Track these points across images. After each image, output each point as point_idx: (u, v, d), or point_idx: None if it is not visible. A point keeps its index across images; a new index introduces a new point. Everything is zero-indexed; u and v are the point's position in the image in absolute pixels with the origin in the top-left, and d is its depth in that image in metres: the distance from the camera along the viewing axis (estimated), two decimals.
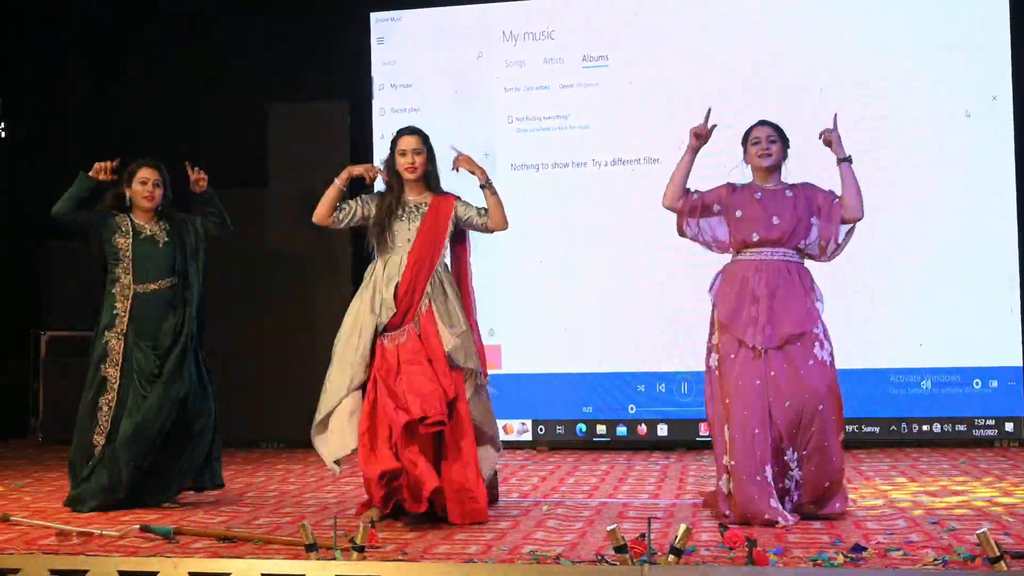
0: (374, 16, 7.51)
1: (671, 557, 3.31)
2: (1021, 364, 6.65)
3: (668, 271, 6.87)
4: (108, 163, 4.90)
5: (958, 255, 6.73)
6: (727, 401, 4.28)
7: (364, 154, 6.94)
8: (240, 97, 7.86)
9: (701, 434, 6.73)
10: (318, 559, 3.48)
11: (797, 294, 4.30)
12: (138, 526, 4.17)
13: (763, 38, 6.98)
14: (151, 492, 4.89)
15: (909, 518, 4.24)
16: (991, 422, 6.69)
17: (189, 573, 3.47)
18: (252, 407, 7.07)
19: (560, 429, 7.10)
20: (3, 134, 7.77)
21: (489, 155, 7.10)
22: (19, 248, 8.26)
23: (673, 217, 4.52)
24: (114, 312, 4.90)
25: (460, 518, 4.30)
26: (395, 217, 4.53)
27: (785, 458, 4.25)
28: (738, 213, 4.37)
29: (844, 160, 4.37)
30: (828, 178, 4.46)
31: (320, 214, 4.58)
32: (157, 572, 3.48)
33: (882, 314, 6.66)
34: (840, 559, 3.44)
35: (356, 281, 4.80)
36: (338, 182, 4.55)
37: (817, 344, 4.26)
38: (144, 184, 4.97)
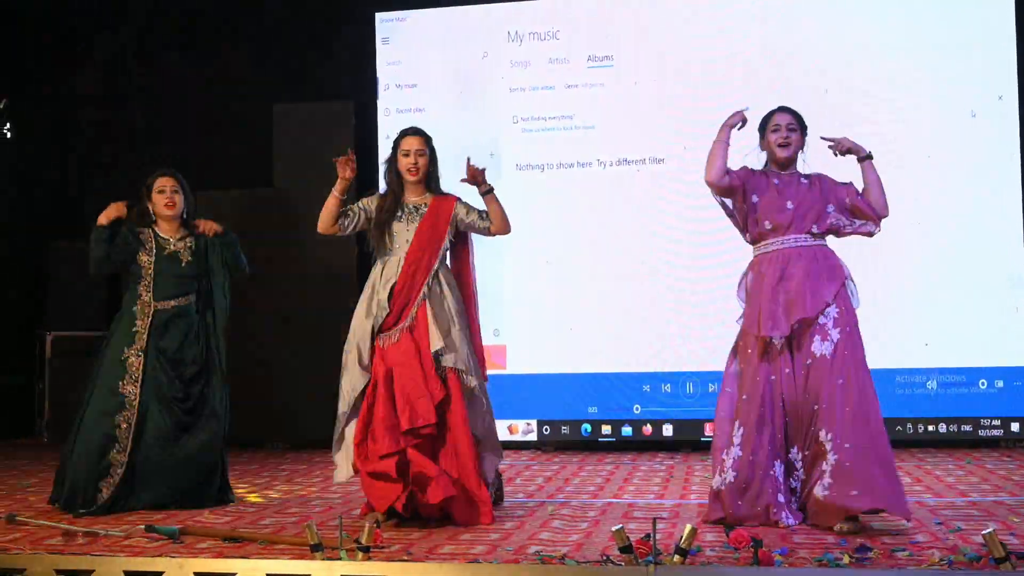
0: (379, 16, 7.51)
1: (676, 557, 3.31)
2: None
3: (673, 271, 6.87)
4: (111, 209, 4.94)
5: (964, 255, 6.72)
6: (744, 397, 4.26)
7: (369, 154, 6.94)
8: (245, 97, 7.88)
9: (706, 434, 6.71)
10: (323, 559, 3.49)
11: (811, 275, 4.23)
12: (143, 526, 4.18)
13: (768, 38, 6.97)
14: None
15: (914, 518, 4.22)
16: (997, 422, 6.67)
17: (194, 573, 3.47)
18: (257, 408, 7.06)
19: (565, 429, 7.09)
20: (9, 135, 7.78)
21: (494, 155, 7.12)
22: (24, 248, 8.28)
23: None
24: (134, 330, 4.91)
25: (464, 520, 4.30)
26: (395, 218, 4.53)
27: (790, 456, 4.25)
28: (754, 197, 4.35)
29: (866, 158, 4.34)
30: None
31: (324, 225, 4.58)
32: (163, 572, 3.48)
33: (888, 314, 6.63)
34: (846, 559, 3.45)
35: (362, 280, 4.80)
36: (336, 192, 4.53)
37: (819, 338, 4.18)
38: (162, 193, 5.00)
